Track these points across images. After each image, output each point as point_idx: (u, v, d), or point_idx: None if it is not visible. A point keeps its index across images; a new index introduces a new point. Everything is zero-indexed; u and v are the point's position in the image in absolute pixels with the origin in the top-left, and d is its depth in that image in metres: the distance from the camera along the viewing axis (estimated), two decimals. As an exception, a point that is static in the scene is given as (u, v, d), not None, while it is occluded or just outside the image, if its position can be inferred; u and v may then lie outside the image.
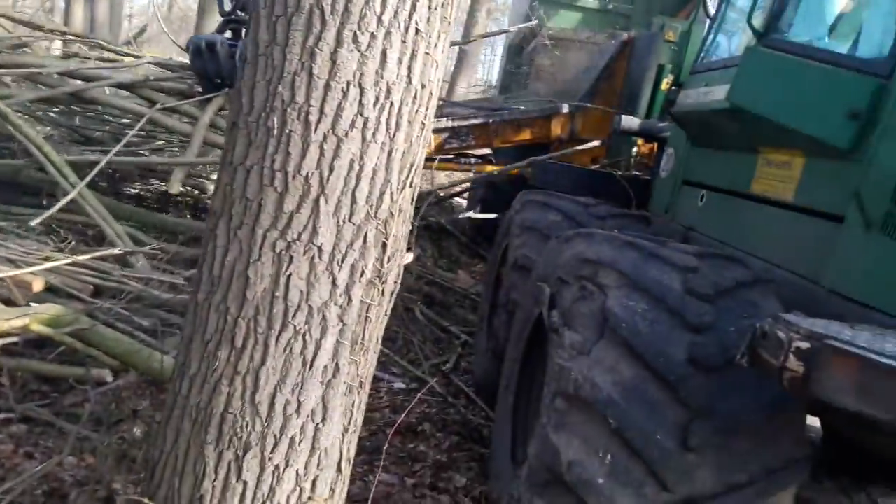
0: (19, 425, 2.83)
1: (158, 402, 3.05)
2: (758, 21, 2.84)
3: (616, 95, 5.80)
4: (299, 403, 1.62)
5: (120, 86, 5.56)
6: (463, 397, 3.91)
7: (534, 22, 6.60)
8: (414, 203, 1.80)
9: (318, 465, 1.69)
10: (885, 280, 1.95)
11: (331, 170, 1.57)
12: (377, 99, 1.58)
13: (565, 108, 5.68)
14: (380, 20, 1.54)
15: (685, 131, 3.66)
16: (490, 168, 5.99)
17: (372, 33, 1.54)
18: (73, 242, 4.48)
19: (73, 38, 7.27)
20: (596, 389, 1.96)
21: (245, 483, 1.64)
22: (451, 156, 5.90)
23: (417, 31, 1.60)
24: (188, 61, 5.13)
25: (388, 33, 1.56)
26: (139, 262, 4.00)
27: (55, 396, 3.09)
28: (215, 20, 6.14)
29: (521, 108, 6.08)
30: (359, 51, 1.54)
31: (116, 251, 3.52)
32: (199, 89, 5.19)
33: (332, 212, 1.59)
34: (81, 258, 3.35)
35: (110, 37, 11.99)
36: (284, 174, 1.56)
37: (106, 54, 6.72)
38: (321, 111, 1.55)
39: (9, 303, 3.21)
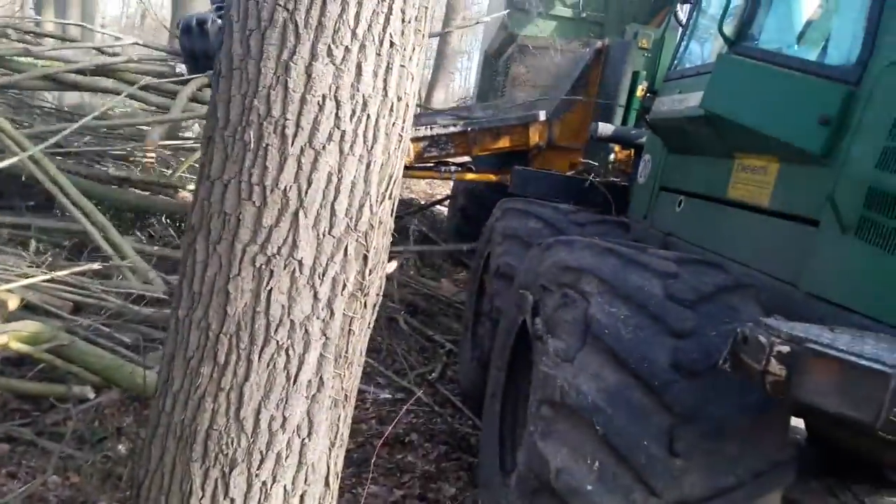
0: (1, 445, 2.78)
1: (142, 418, 3.02)
2: (729, 29, 2.88)
3: (591, 103, 5.85)
4: (284, 419, 1.61)
5: (103, 68, 5.52)
6: (449, 406, 3.91)
7: (503, 14, 6.63)
8: (394, 214, 1.81)
9: (305, 481, 1.68)
10: (861, 282, 1.98)
11: (309, 183, 1.57)
12: (354, 112, 1.58)
13: (542, 116, 5.71)
14: (354, 34, 1.55)
15: (661, 138, 3.70)
16: (470, 176, 6.01)
17: (346, 47, 1.55)
18: (51, 256, 4.42)
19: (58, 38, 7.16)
20: (581, 396, 1.97)
21: (232, 500, 1.62)
22: (431, 164, 5.91)
23: (392, 44, 1.60)
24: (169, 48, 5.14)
25: (362, 46, 1.56)
26: (153, 277, 3.96)
27: (36, 415, 3.05)
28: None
29: (500, 115, 6.11)
30: (334, 64, 1.54)
31: (95, 266, 3.48)
32: (183, 70, 5.21)
33: (312, 225, 1.58)
34: (60, 274, 3.31)
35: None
36: (262, 188, 1.56)
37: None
38: (298, 125, 1.55)
39: (-16, 322, 3.16)
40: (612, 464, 1.92)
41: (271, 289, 1.57)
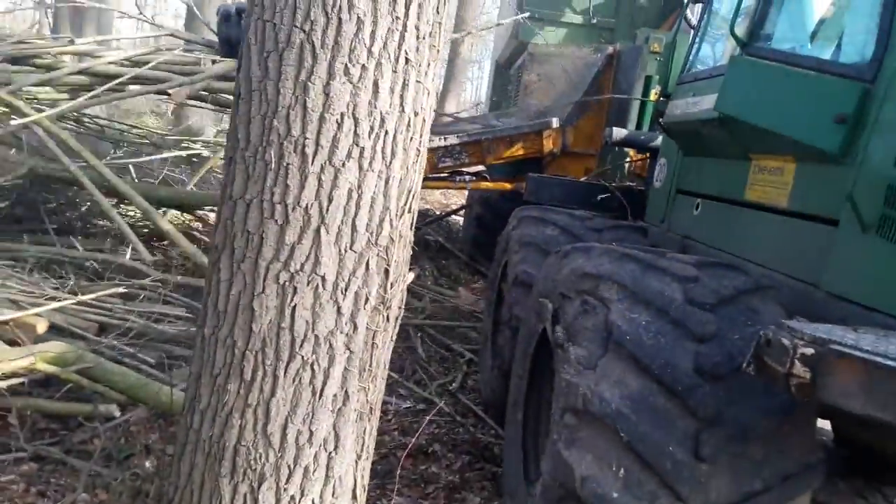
0: (30, 464, 2.83)
1: (167, 435, 3.05)
2: (740, 30, 2.88)
3: (604, 108, 5.86)
4: (311, 433, 1.63)
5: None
6: (471, 416, 3.91)
7: (515, 19, 6.66)
8: (413, 228, 1.83)
9: (333, 494, 1.70)
10: (883, 281, 1.97)
11: (330, 200, 1.60)
12: (372, 129, 1.61)
13: (555, 123, 5.72)
14: (370, 52, 1.57)
15: (676, 142, 3.70)
16: (485, 185, 6.03)
17: (363, 65, 1.57)
18: (73, 278, 4.49)
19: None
20: (604, 404, 1.97)
21: (261, 515, 1.64)
22: (446, 174, 5.93)
23: (407, 60, 1.63)
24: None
25: (378, 64, 1.59)
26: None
27: (64, 434, 3.09)
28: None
29: (513, 123, 6.13)
30: (351, 83, 1.57)
31: (121, 289, 3.53)
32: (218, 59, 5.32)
33: (334, 241, 1.61)
34: (87, 297, 3.36)
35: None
36: (284, 206, 1.59)
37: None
38: (317, 143, 1.58)
39: (13, 343, 3.22)
40: (637, 470, 1.91)
41: (295, 305, 1.59)
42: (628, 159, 5.53)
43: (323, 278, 1.60)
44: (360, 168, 1.61)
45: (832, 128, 2.22)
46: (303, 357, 1.60)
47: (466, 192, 8.23)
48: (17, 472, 2.76)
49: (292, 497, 1.64)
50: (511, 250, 3.95)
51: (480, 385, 4.27)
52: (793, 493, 1.91)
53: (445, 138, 5.75)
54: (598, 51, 6.06)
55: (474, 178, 6.04)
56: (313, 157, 1.57)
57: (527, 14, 6.82)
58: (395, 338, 1.81)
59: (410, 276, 1.92)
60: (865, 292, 2.01)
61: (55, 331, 3.46)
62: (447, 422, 3.77)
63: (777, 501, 1.89)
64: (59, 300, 3.41)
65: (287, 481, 1.64)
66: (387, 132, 1.63)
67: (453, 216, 9.40)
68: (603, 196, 4.54)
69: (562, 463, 2.04)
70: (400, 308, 1.79)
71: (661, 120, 3.81)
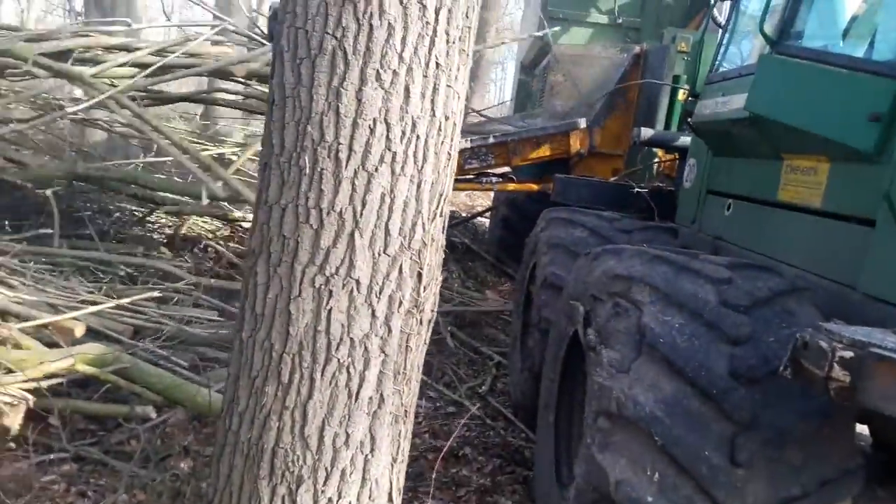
0: (71, 464, 2.88)
1: (203, 436, 3.10)
2: (770, 28, 2.86)
3: (632, 108, 5.82)
4: (348, 435, 1.65)
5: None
6: (501, 419, 3.91)
7: (545, 32, 6.65)
8: (445, 231, 1.84)
9: (369, 497, 1.71)
10: (923, 282, 1.94)
11: (363, 204, 1.61)
12: (403, 133, 1.62)
13: (582, 123, 5.70)
14: (401, 57, 1.59)
15: (705, 142, 3.67)
16: (511, 186, 6.02)
17: (394, 70, 1.58)
18: (107, 281, 4.57)
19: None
20: (639, 407, 1.96)
21: (299, 517, 1.66)
22: (472, 176, 5.94)
23: (438, 65, 1.64)
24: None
25: (409, 69, 1.60)
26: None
27: (102, 435, 3.15)
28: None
29: (539, 124, 6.12)
30: (383, 88, 1.58)
31: (156, 293, 3.59)
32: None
33: (368, 245, 1.62)
34: (124, 300, 3.43)
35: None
36: (319, 211, 1.60)
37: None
38: (350, 148, 1.59)
39: (52, 346, 3.29)
40: (672, 474, 1.90)
41: (331, 308, 1.61)
42: (657, 159, 5.49)
43: (357, 282, 1.62)
44: (393, 172, 1.62)
45: (866, 126, 2.19)
46: (339, 360, 1.62)
47: (492, 194, 8.23)
48: (58, 473, 2.82)
49: (330, 499, 1.66)
50: (539, 252, 3.95)
51: (510, 387, 4.27)
52: (832, 499, 1.89)
53: (472, 140, 5.76)
54: (625, 51, 6.03)
55: (500, 179, 6.04)
56: (347, 162, 1.59)
57: (555, 28, 6.76)
58: (427, 341, 1.82)
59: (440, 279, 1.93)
60: (904, 293, 1.98)
61: (91, 334, 3.53)
62: (477, 425, 3.78)
63: (816, 507, 1.87)
64: (96, 304, 3.48)
65: (325, 484, 1.65)
66: (418, 136, 1.64)
67: (478, 218, 9.40)
68: (631, 197, 4.52)
69: (596, 467, 2.04)
70: (433, 311, 1.80)
71: (689, 120, 3.78)
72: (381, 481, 1.72)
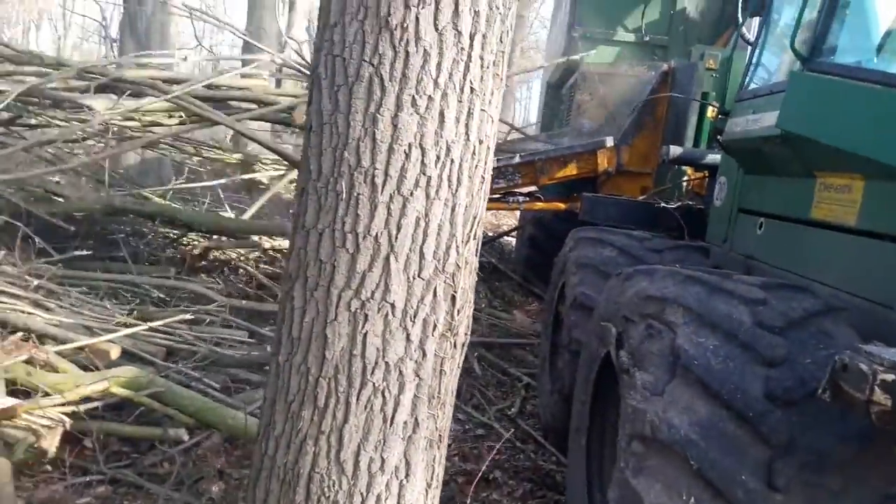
0: (106, 486, 2.92)
1: (234, 459, 3.12)
2: (801, 45, 2.84)
3: (660, 126, 5.80)
4: (383, 460, 1.65)
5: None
6: (531, 442, 3.88)
7: (573, 57, 6.67)
8: (478, 254, 1.85)
9: (404, 522, 1.71)
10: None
11: (398, 228, 1.63)
12: (438, 158, 1.64)
13: (610, 142, 5.69)
14: (436, 83, 1.61)
15: (736, 159, 3.64)
16: (538, 205, 6.02)
17: (429, 96, 1.60)
18: (138, 304, 4.64)
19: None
20: (673, 430, 1.94)
21: (336, 542, 1.66)
22: (499, 195, 5.95)
23: (472, 89, 1.66)
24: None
25: (444, 95, 1.62)
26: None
27: (135, 457, 3.19)
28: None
29: (566, 143, 6.12)
30: (418, 113, 1.60)
31: (188, 316, 3.65)
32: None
33: (402, 269, 1.64)
34: (157, 323, 3.48)
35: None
36: (355, 235, 1.62)
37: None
38: (386, 173, 1.61)
39: (87, 369, 3.35)
40: (708, 499, 1.87)
41: (366, 332, 1.62)
42: (686, 177, 5.46)
43: (392, 305, 1.63)
44: (428, 196, 1.64)
45: (903, 144, 2.16)
46: (374, 384, 1.63)
47: (518, 213, 8.23)
48: (93, 495, 2.85)
49: (365, 524, 1.66)
50: (568, 272, 3.93)
51: (539, 410, 4.24)
52: (874, 524, 1.85)
53: (498, 159, 5.77)
54: (653, 68, 6.02)
55: (527, 198, 6.04)
56: (382, 187, 1.61)
57: (591, 52, 6.79)
58: (461, 365, 1.82)
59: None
60: (946, 314, 1.94)
61: (126, 356, 3.59)
62: (507, 448, 3.76)
63: (857, 533, 1.83)
64: (130, 326, 3.53)
65: (360, 509, 1.66)
66: (452, 161, 1.66)
67: (505, 237, 9.39)
68: (660, 215, 4.49)
69: (630, 491, 2.02)
70: (466, 335, 1.81)
71: (719, 137, 3.76)
72: (417, 506, 1.72)
